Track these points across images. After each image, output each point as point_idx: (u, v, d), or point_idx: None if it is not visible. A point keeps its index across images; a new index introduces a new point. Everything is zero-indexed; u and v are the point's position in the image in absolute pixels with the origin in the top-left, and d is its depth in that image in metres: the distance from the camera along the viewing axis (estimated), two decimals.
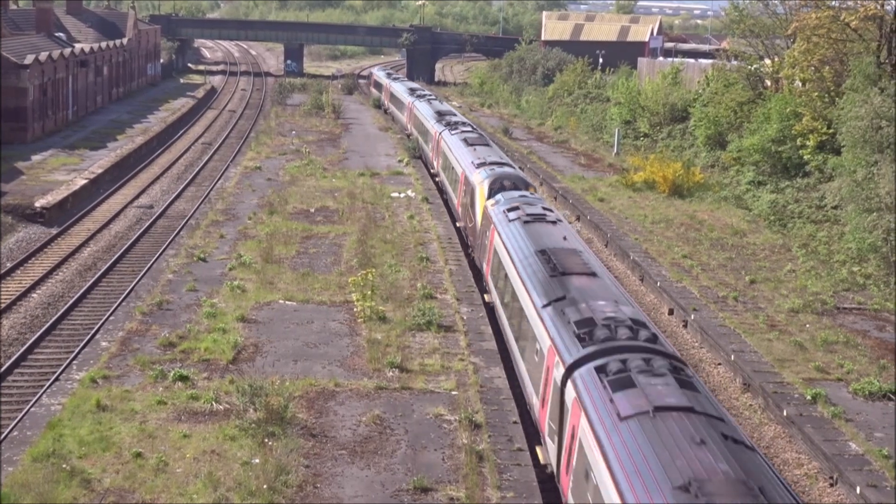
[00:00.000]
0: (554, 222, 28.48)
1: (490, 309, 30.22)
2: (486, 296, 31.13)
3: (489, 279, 30.41)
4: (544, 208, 30.22)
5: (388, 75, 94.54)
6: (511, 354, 25.36)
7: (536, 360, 21.19)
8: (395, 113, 77.86)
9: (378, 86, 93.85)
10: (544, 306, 21.47)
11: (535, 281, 23.15)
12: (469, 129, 49.07)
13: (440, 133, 49.97)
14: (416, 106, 63.66)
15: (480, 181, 35.57)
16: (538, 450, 20.55)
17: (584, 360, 17.94)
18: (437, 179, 51.08)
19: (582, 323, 19.44)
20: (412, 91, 73.24)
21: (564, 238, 26.42)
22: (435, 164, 50.95)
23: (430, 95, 70.56)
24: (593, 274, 23.09)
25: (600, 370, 17.24)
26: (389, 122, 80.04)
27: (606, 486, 14.34)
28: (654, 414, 15.13)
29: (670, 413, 15.14)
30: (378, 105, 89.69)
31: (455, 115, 56.94)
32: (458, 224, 41.00)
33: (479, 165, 37.89)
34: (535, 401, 21.18)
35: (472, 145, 42.92)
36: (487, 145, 44.23)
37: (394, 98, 78.81)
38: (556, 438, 18.66)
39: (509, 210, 29.82)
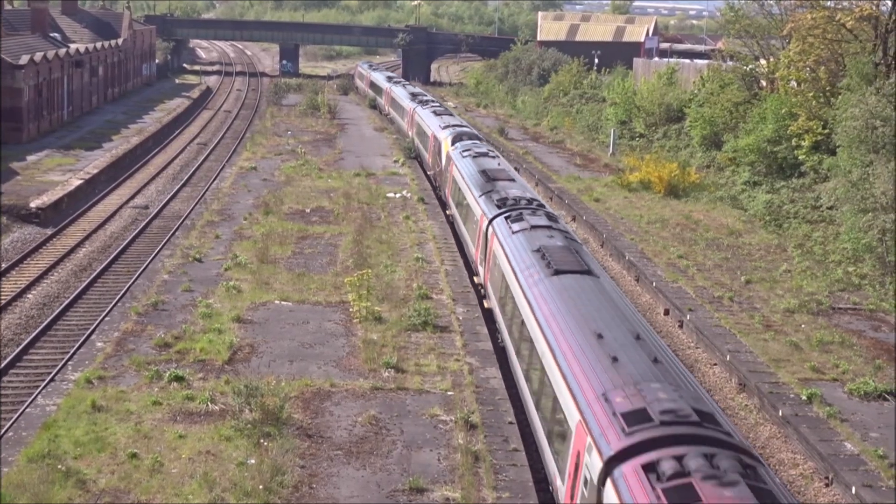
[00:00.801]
0: (494, 157, 40.83)
1: (449, 219, 43.14)
2: (447, 211, 44.02)
3: (449, 198, 42.85)
4: (488, 150, 42.52)
5: (370, 66, 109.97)
6: (457, 226, 39.41)
7: (475, 219, 33.24)
8: (375, 98, 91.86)
9: (361, 76, 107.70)
10: (479, 195, 33.41)
11: (476, 185, 35.17)
12: (437, 104, 64.63)
13: (413, 109, 63.83)
14: (393, 90, 79.45)
15: (445, 136, 48.07)
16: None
17: (498, 216, 29.63)
18: (407, 139, 65.67)
19: (501, 201, 31.04)
20: (389, 78, 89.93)
21: (498, 164, 39.08)
22: (410, 133, 65.50)
23: (404, 81, 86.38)
24: (513, 180, 35.78)
25: (508, 217, 28.45)
26: (385, 123, 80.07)
27: None
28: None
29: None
30: (356, 89, 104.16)
31: (426, 95, 72.11)
32: (428, 172, 54.29)
33: (445, 127, 50.73)
34: (478, 269, 32.14)
35: (438, 115, 56.86)
36: (450, 115, 59.09)
37: (373, 85, 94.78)
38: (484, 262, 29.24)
39: (463, 151, 41.69)
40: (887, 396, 25.98)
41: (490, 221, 29.90)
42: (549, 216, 28.91)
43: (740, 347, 29.35)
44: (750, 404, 26.76)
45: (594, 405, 16.05)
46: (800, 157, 47.06)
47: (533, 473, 20.34)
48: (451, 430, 22.28)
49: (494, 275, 28.34)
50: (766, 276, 36.99)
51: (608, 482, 14.28)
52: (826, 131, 45.21)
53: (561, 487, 17.50)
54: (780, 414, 25.14)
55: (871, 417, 24.84)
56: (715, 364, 29.51)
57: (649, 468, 13.65)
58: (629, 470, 13.88)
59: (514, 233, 26.86)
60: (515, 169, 44.22)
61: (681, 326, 32.66)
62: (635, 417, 14.93)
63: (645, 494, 13.08)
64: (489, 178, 35.22)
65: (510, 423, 22.82)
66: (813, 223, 42.96)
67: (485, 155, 40.68)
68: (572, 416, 16.85)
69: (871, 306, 33.69)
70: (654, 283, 35.84)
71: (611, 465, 14.39)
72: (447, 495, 19.35)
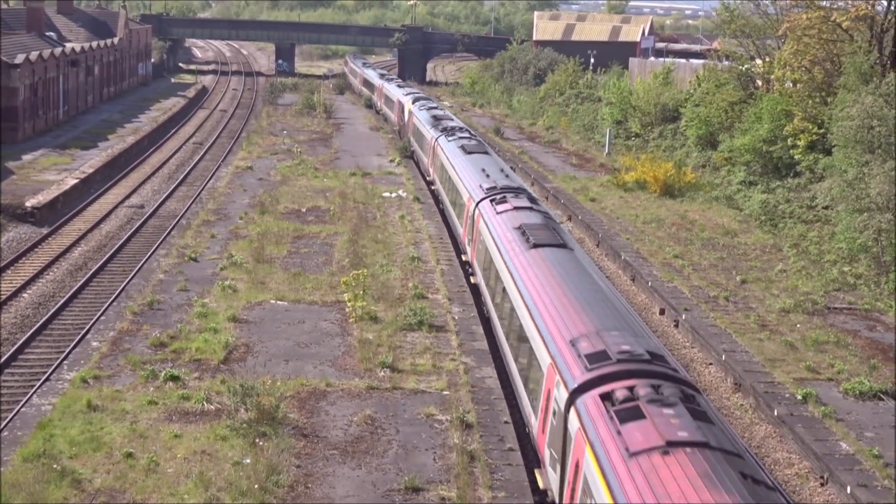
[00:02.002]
0: (441, 109, 60.30)
1: (412, 156, 60.20)
2: (411, 150, 60.85)
3: (412, 139, 60.53)
4: (439, 105, 63.47)
5: (354, 56, 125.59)
6: (419, 159, 55.56)
7: (427, 145, 50.08)
8: (357, 86, 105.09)
9: (352, 71, 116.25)
10: (432, 129, 49.69)
11: (430, 125, 51.50)
12: (400, 81, 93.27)
13: (382, 85, 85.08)
14: (366, 72, 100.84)
15: (408, 101, 66.01)
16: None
17: (442, 136, 46.40)
18: (381, 113, 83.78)
19: (448, 130, 47.68)
20: (366, 64, 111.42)
21: (444, 113, 56.20)
22: (378, 103, 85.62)
23: (383, 72, 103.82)
24: (452, 118, 55.62)
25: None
26: (381, 123, 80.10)
27: None
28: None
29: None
30: (351, 88, 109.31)
31: (393, 77, 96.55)
32: (395, 128, 73.44)
33: (407, 94, 70.50)
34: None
35: (401, 87, 79.15)
36: (412, 87, 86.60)
37: (352, 71, 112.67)
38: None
39: (420, 108, 59.46)
40: (882, 396, 26.01)
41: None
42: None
43: (736, 347, 29.38)
44: (745, 404, 26.78)
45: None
46: (795, 157, 47.10)
47: (528, 474, 20.35)
48: (447, 429, 22.28)
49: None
50: (762, 275, 37.02)
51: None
52: (822, 131, 45.23)
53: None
54: (776, 413, 25.17)
55: (866, 417, 24.87)
56: (710, 364, 29.53)
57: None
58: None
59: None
60: (511, 169, 44.49)
61: (676, 326, 32.68)
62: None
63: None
64: (438, 122, 50.81)
65: (506, 422, 22.82)
66: (808, 223, 43.00)
67: (436, 108, 59.58)
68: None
69: (867, 306, 33.73)
70: (649, 283, 35.87)
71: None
72: (443, 495, 19.35)
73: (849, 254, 37.66)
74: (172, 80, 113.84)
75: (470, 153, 40.52)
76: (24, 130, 62.11)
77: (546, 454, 18.55)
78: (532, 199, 31.56)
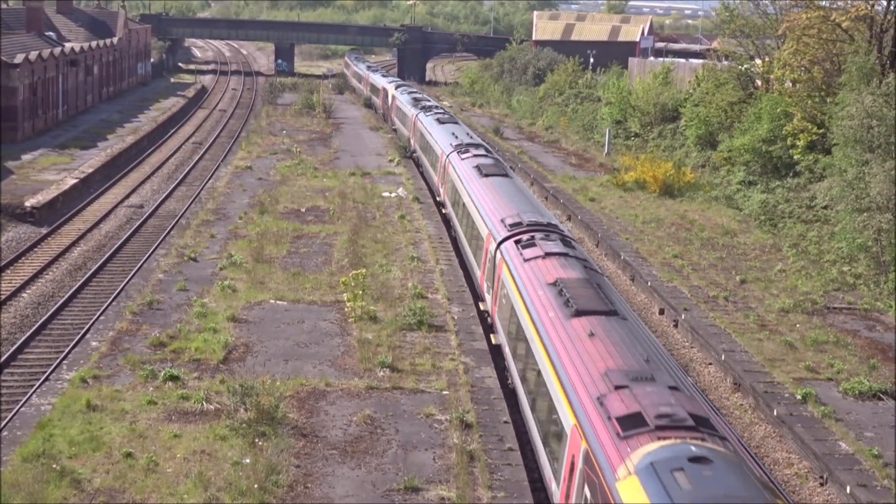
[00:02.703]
0: (419, 92, 71.66)
1: (393, 129, 70.80)
2: (392, 126, 72.07)
3: (394, 118, 70.38)
4: (419, 90, 75.79)
5: (352, 54, 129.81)
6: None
7: (404, 117, 63.32)
8: (353, 82, 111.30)
9: (347, 66, 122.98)
10: (412, 107, 60.48)
11: (409, 104, 61.98)
12: (384, 70, 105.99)
13: (368, 76, 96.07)
14: (353, 62, 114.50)
15: (391, 87, 76.89)
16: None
17: (421, 112, 56.95)
18: (366, 97, 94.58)
19: (425, 108, 57.95)
20: (358, 59, 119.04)
21: (423, 96, 65.78)
22: (365, 91, 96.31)
23: (369, 63, 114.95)
24: (428, 99, 64.19)
25: (424, 110, 55.24)
26: (381, 122, 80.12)
27: None
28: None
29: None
30: (351, 89, 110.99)
31: (377, 68, 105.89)
32: (379, 111, 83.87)
33: (390, 82, 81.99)
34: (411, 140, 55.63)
35: (385, 76, 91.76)
36: (394, 76, 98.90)
37: (347, 65, 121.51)
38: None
39: (401, 92, 69.71)
40: (882, 396, 26.01)
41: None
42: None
43: (735, 347, 29.38)
44: (745, 404, 26.79)
45: (414, 109, 41.09)
46: (795, 157, 47.08)
47: (528, 473, 20.34)
48: (447, 429, 22.28)
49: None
50: (761, 275, 37.02)
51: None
52: (821, 131, 45.22)
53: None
54: (775, 413, 25.17)
55: (865, 417, 24.87)
56: (710, 364, 29.54)
57: (424, 110, 40.71)
58: (422, 115, 44.04)
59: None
60: (511, 169, 44.66)
61: (676, 326, 32.68)
62: (425, 108, 36.84)
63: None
64: (418, 102, 62.33)
65: (505, 422, 22.81)
66: (808, 223, 43.00)
67: (416, 92, 71.66)
68: (409, 113, 41.79)
69: (866, 306, 33.73)
70: (649, 283, 35.87)
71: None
72: (442, 495, 19.35)
73: (848, 253, 37.65)
74: (172, 80, 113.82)
75: (443, 123, 50.86)
76: (24, 130, 62.10)
77: (485, 290, 28.46)
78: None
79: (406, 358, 26.57)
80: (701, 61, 71.89)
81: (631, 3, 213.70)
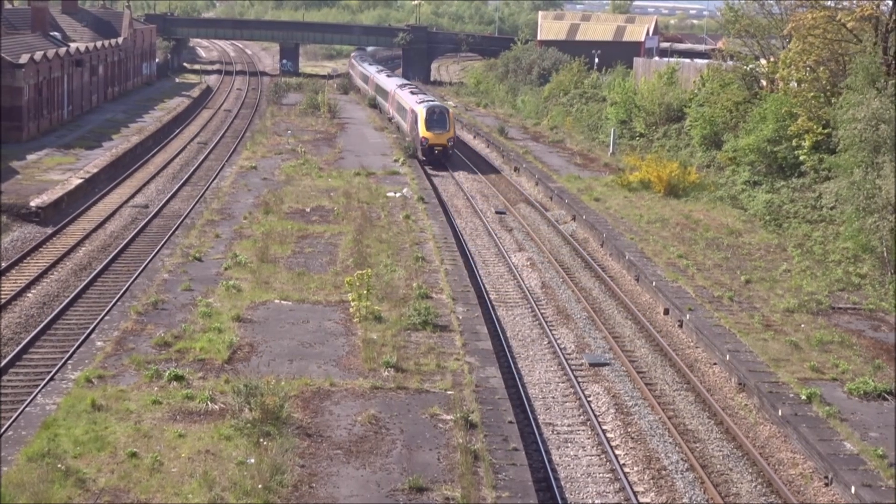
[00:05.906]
0: (379, 62, 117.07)
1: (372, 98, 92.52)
2: (370, 99, 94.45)
3: (372, 89, 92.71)
4: (379, 63, 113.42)
5: (358, 53, 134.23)
6: (380, 105, 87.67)
7: (385, 91, 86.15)
8: (355, 80, 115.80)
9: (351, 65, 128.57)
10: (377, 73, 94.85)
11: (374, 69, 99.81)
12: (371, 60, 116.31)
13: (357, 65, 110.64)
14: (358, 62, 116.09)
15: (381, 75, 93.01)
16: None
17: (398, 88, 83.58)
18: (356, 83, 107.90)
19: (401, 86, 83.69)
20: (361, 57, 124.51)
21: (384, 67, 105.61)
22: (357, 80, 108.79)
23: (365, 61, 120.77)
24: (394, 72, 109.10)
25: (403, 87, 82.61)
26: (385, 123, 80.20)
27: None
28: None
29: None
30: (356, 89, 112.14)
31: (368, 58, 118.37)
32: (357, 88, 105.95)
33: (379, 71, 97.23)
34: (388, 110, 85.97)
35: (363, 61, 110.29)
36: (373, 62, 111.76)
37: (353, 65, 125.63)
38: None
39: (367, 64, 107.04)
40: (887, 396, 26.00)
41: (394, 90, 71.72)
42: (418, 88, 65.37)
43: (740, 347, 29.36)
44: (749, 404, 26.77)
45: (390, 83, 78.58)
46: (800, 157, 47.02)
47: (532, 473, 20.35)
48: (451, 429, 22.29)
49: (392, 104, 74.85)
50: (766, 275, 36.99)
51: (395, 92, 72.67)
52: (826, 131, 45.18)
53: (391, 110, 73.44)
54: (780, 413, 25.16)
55: (870, 417, 24.86)
56: (714, 364, 29.53)
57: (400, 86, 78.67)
58: (398, 89, 78.79)
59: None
60: (515, 169, 44.67)
61: (680, 326, 32.68)
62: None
63: (399, 87, 74.26)
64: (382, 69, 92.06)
65: (510, 422, 22.83)
66: (813, 223, 42.95)
67: (382, 62, 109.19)
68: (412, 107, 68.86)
69: (871, 306, 33.70)
70: (653, 283, 35.85)
71: (395, 90, 72.82)
72: (447, 495, 19.36)
73: (853, 254, 37.60)
74: (177, 80, 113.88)
75: (390, 78, 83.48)
76: (29, 130, 62.17)
77: (391, 111, 66.95)
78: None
79: (411, 358, 26.58)
80: (706, 61, 71.78)
81: (636, 2, 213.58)
